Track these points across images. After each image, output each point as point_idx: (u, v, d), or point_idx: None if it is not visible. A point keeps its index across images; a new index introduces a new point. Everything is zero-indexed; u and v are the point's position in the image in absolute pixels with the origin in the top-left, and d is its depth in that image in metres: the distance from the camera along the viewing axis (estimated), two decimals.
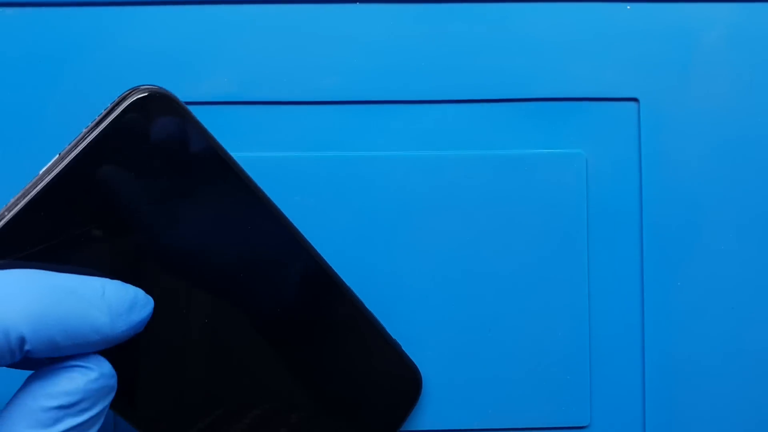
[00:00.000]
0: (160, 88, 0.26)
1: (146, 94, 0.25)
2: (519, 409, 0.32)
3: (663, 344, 0.32)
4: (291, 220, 0.28)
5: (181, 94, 0.32)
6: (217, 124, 0.32)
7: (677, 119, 0.32)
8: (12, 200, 0.24)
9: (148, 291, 0.25)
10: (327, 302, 0.28)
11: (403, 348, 0.31)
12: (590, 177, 0.32)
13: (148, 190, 0.25)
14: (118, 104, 0.25)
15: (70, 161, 0.24)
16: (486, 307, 0.32)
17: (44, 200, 0.24)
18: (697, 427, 0.32)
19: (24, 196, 0.24)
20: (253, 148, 0.32)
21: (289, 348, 0.27)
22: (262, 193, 0.27)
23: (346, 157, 0.32)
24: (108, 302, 0.24)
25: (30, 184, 0.24)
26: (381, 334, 0.29)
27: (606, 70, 0.32)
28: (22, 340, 0.22)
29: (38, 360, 0.25)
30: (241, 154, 0.32)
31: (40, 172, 0.25)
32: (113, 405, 0.26)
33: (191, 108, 0.27)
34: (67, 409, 0.23)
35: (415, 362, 0.31)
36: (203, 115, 0.32)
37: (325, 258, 0.29)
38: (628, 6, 0.33)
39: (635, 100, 0.32)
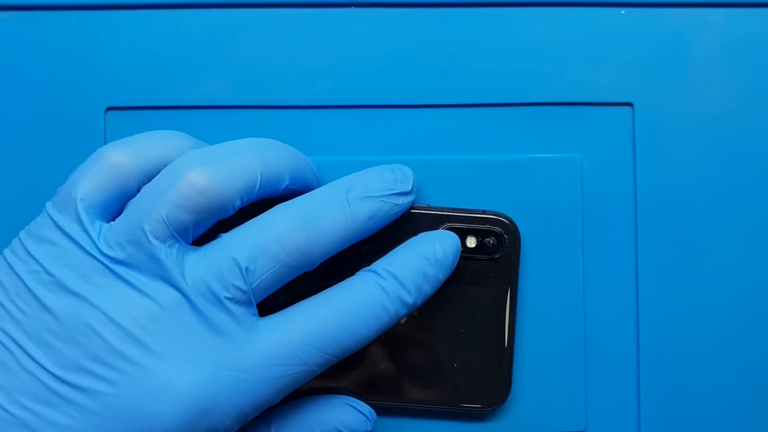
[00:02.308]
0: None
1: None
2: (514, 414, 0.32)
3: (658, 349, 0.32)
4: None
5: (177, 99, 0.32)
6: (212, 129, 0.32)
7: (672, 123, 0.32)
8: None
9: None
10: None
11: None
12: (585, 181, 0.32)
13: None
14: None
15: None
16: None
17: None
18: None
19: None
20: None
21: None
22: None
23: (342, 161, 0.32)
24: None
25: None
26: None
27: (601, 74, 0.33)
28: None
29: None
30: None
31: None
32: None
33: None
34: None
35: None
36: (199, 120, 0.32)
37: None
38: (623, 11, 0.33)
39: (630, 104, 0.33)
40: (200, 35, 0.32)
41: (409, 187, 0.30)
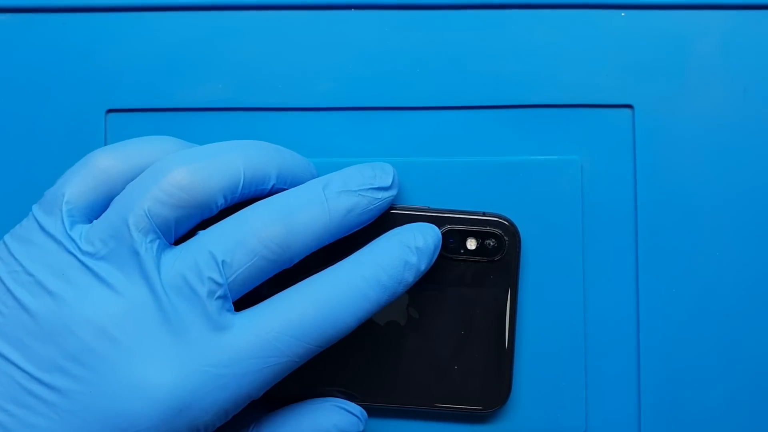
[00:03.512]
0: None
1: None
2: (515, 415, 0.32)
3: (658, 350, 0.32)
4: None
5: (178, 101, 0.32)
6: (212, 131, 0.32)
7: (672, 126, 0.32)
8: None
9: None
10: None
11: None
12: (585, 183, 0.32)
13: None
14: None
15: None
16: None
17: None
18: None
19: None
20: None
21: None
22: None
23: (342, 163, 0.32)
24: None
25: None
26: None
27: (601, 76, 0.33)
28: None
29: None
30: None
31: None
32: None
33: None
34: None
35: None
36: (199, 122, 0.32)
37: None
38: (623, 13, 0.33)
39: (630, 106, 0.33)
40: (200, 37, 0.32)
41: (388, 183, 0.29)
